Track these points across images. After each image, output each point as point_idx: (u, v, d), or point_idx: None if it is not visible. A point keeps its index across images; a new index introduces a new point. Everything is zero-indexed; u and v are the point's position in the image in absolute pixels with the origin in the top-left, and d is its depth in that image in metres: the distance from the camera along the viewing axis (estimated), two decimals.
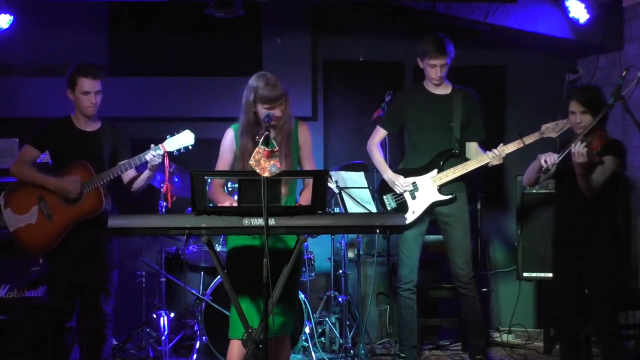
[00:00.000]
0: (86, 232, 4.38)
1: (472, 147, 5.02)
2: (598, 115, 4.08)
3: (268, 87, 3.75)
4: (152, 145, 4.31)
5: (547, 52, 6.43)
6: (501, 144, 4.83)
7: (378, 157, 5.10)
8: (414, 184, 4.98)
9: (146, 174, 4.44)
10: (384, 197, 5.07)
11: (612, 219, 4.31)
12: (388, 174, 5.03)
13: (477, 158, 4.91)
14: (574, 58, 6.38)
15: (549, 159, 4.18)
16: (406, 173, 5.01)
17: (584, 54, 6.23)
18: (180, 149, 4.33)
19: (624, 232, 5.56)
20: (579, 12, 5.66)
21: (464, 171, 4.91)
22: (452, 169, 4.92)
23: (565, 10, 5.74)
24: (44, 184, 4.37)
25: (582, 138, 4.04)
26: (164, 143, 4.31)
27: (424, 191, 4.96)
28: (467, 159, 4.98)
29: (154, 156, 4.27)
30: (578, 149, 3.95)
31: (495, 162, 4.85)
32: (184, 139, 4.33)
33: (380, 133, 5.14)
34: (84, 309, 4.52)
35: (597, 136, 4.04)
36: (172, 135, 4.33)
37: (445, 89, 5.00)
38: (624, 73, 4.09)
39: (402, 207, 4.99)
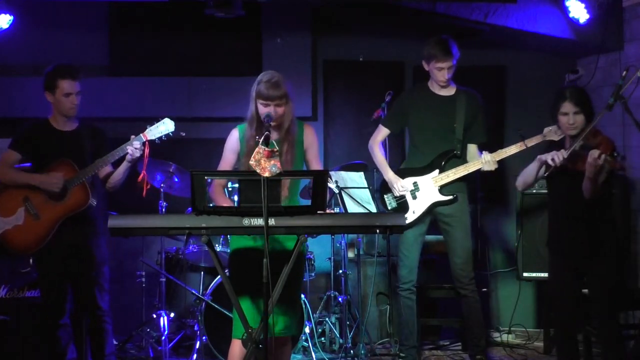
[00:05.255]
0: (73, 228, 4.40)
1: (472, 149, 5.01)
2: (592, 115, 4.06)
3: (267, 84, 3.78)
4: (132, 137, 4.33)
5: (547, 52, 6.43)
6: (498, 150, 4.81)
7: (380, 157, 5.10)
8: (415, 183, 4.97)
9: (124, 166, 4.42)
10: (385, 196, 5.07)
11: (611, 219, 4.30)
12: (389, 175, 5.03)
13: (473, 161, 4.91)
14: (574, 58, 6.38)
15: (557, 157, 4.05)
16: (408, 173, 5.02)
17: (584, 54, 6.23)
18: (162, 136, 4.37)
19: (624, 232, 5.56)
20: (579, 12, 5.66)
21: (465, 172, 4.91)
22: (453, 170, 4.91)
23: (565, 10, 5.74)
24: (29, 182, 4.37)
25: (581, 141, 4.03)
26: (145, 132, 4.35)
27: (424, 191, 4.96)
28: (467, 161, 4.98)
29: (136, 148, 4.29)
30: (594, 154, 3.87)
31: (486, 168, 4.83)
32: (164, 127, 4.38)
33: (382, 132, 5.13)
34: (80, 306, 4.52)
35: (601, 140, 4.02)
36: (152, 124, 4.38)
37: (449, 90, 5.00)
38: (624, 73, 4.08)
39: (403, 206, 4.99)
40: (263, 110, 3.79)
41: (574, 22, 5.75)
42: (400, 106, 5.12)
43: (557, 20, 5.83)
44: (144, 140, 4.32)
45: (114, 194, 4.66)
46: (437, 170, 4.94)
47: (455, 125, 4.93)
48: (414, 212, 4.97)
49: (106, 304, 4.54)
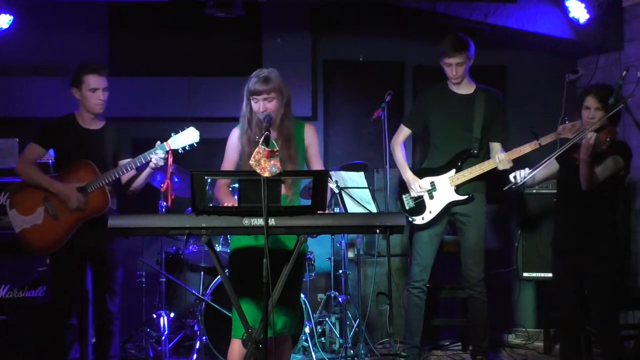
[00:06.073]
0: (89, 231, 4.37)
1: (495, 147, 4.97)
2: (610, 113, 4.10)
3: (256, 79, 3.78)
4: (157, 143, 4.28)
5: (547, 52, 6.44)
6: (513, 149, 4.80)
7: (400, 157, 5.06)
8: (432, 183, 4.95)
9: (147, 172, 4.41)
10: (403, 196, 5.04)
11: (611, 219, 4.31)
12: (407, 175, 5.00)
13: (492, 160, 4.89)
14: (574, 58, 6.39)
15: (518, 175, 4.32)
16: (425, 173, 4.99)
17: (584, 54, 6.23)
18: (185, 146, 4.29)
19: (624, 232, 5.56)
20: (579, 12, 5.67)
21: (481, 171, 4.87)
22: (469, 169, 4.88)
23: (565, 10, 5.74)
24: (48, 187, 4.35)
25: (591, 134, 4.07)
26: (169, 141, 4.28)
27: (441, 191, 4.93)
28: (489, 159, 4.93)
29: (160, 157, 4.25)
30: (588, 136, 4.01)
31: (501, 167, 4.81)
32: (189, 137, 4.29)
33: (403, 132, 5.11)
34: (89, 308, 4.51)
35: (607, 131, 4.06)
36: (177, 132, 4.29)
37: (468, 89, 4.96)
38: (624, 73, 4.09)
39: (420, 206, 4.97)
40: (254, 106, 3.79)
41: (574, 22, 5.76)
42: (419, 105, 5.10)
43: (557, 20, 5.83)
44: (167, 149, 4.26)
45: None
46: (453, 170, 4.91)
47: (474, 124, 4.89)
48: (430, 212, 4.95)
49: (116, 307, 4.51)
